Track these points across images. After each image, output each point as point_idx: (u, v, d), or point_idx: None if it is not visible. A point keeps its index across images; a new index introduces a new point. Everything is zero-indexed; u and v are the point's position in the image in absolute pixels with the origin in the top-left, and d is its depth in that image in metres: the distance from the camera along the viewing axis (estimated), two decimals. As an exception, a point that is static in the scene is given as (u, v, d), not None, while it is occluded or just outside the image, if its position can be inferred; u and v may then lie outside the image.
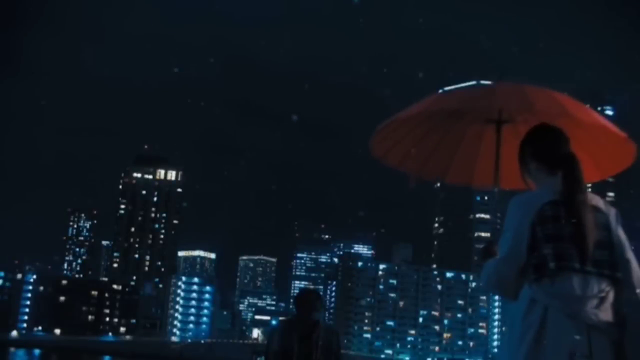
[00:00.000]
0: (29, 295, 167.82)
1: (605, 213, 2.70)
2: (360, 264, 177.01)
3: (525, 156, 2.84)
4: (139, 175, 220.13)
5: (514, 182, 3.31)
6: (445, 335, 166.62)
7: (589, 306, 2.47)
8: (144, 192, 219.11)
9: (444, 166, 4.03)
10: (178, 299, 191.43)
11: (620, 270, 2.57)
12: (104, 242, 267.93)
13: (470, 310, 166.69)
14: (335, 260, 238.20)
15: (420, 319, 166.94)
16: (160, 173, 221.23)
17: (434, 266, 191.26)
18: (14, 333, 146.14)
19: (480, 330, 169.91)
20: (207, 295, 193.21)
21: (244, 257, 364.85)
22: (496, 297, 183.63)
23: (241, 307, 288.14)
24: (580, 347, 2.43)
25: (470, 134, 3.87)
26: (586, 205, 2.62)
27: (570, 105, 3.23)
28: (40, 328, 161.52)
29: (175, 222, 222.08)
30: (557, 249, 2.53)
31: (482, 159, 3.89)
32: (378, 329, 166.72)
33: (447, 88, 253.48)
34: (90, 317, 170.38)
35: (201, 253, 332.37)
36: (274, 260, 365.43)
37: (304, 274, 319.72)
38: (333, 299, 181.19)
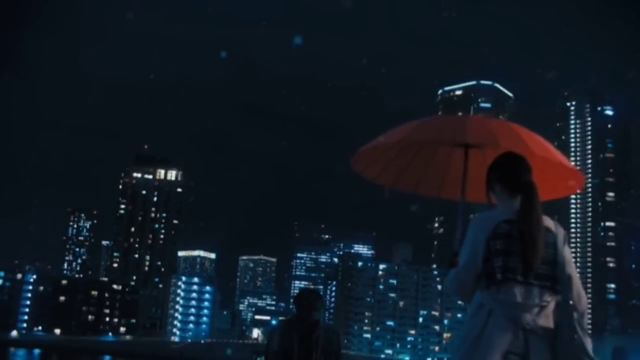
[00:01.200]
0: (29, 295, 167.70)
1: (554, 234, 3.13)
2: (360, 264, 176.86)
3: (491, 179, 3.32)
4: (139, 175, 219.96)
5: (477, 196, 3.79)
6: (445, 335, 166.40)
7: (528, 313, 2.95)
8: (144, 192, 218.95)
9: (415, 180, 4.56)
10: (178, 299, 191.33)
11: (561, 284, 3.04)
12: (104, 242, 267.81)
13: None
14: (335, 260, 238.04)
15: (420, 319, 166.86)
16: (160, 173, 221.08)
17: (434, 266, 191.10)
18: (14, 333, 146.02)
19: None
20: (207, 295, 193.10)
21: (244, 257, 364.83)
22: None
23: (241, 307, 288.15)
24: (515, 346, 2.91)
25: (441, 153, 4.39)
26: (538, 226, 3.05)
27: (531, 141, 3.73)
28: (40, 328, 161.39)
29: (175, 222, 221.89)
30: (505, 262, 3.00)
31: (450, 175, 4.37)
32: (378, 329, 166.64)
33: (443, 89, 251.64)
34: (90, 317, 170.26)
35: (201, 253, 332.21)
36: (274, 260, 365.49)
37: (304, 274, 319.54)
38: (333, 299, 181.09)
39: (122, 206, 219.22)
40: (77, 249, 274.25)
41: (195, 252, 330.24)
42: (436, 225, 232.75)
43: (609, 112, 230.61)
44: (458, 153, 4.14)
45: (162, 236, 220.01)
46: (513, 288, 2.98)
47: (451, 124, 4.11)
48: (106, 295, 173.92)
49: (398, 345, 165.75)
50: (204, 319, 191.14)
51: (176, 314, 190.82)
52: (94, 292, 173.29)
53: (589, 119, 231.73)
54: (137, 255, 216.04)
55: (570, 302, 3.03)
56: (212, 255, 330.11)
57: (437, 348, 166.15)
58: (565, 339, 2.94)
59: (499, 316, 2.97)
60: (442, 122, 4.21)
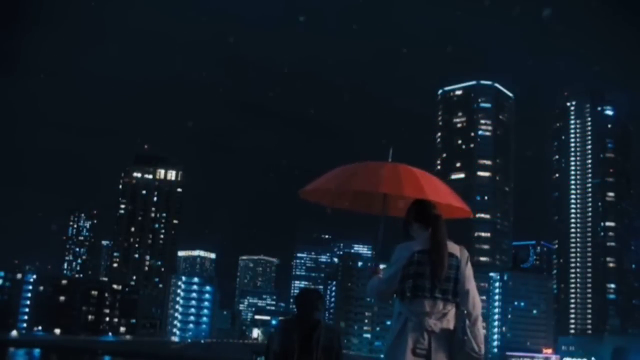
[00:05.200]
0: (29, 295, 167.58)
1: (458, 257, 4.25)
2: (360, 264, 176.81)
3: (409, 219, 4.51)
4: (139, 175, 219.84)
5: (397, 212, 5.02)
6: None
7: (432, 319, 4.08)
8: (144, 192, 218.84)
9: (349, 201, 5.76)
10: (178, 299, 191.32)
11: (460, 296, 4.16)
12: (104, 242, 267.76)
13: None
14: (335, 260, 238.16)
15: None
16: (160, 173, 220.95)
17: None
18: (14, 333, 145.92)
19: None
20: (207, 295, 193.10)
21: (244, 257, 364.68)
22: (496, 298, 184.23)
23: (241, 307, 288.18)
24: (422, 345, 4.03)
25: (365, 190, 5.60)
26: (445, 252, 4.18)
27: (428, 188, 4.95)
28: (40, 328, 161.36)
29: (175, 222, 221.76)
30: (415, 282, 4.12)
31: (375, 198, 5.53)
32: (378, 329, 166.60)
33: (443, 89, 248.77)
34: (90, 317, 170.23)
35: (201, 253, 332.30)
36: (274, 260, 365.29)
37: (304, 274, 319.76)
38: (333, 299, 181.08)
39: (122, 206, 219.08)
40: (77, 249, 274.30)
41: (195, 252, 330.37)
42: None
43: (609, 112, 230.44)
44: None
45: (162, 236, 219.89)
46: (422, 301, 4.08)
47: (372, 177, 5.16)
48: (106, 295, 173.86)
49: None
50: (204, 319, 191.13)
51: (176, 314, 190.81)
52: (94, 292, 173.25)
53: (589, 119, 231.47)
54: (137, 255, 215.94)
55: (465, 310, 4.11)
56: (212, 255, 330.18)
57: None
58: (459, 338, 4.03)
59: (412, 323, 4.06)
60: (367, 173, 5.20)
